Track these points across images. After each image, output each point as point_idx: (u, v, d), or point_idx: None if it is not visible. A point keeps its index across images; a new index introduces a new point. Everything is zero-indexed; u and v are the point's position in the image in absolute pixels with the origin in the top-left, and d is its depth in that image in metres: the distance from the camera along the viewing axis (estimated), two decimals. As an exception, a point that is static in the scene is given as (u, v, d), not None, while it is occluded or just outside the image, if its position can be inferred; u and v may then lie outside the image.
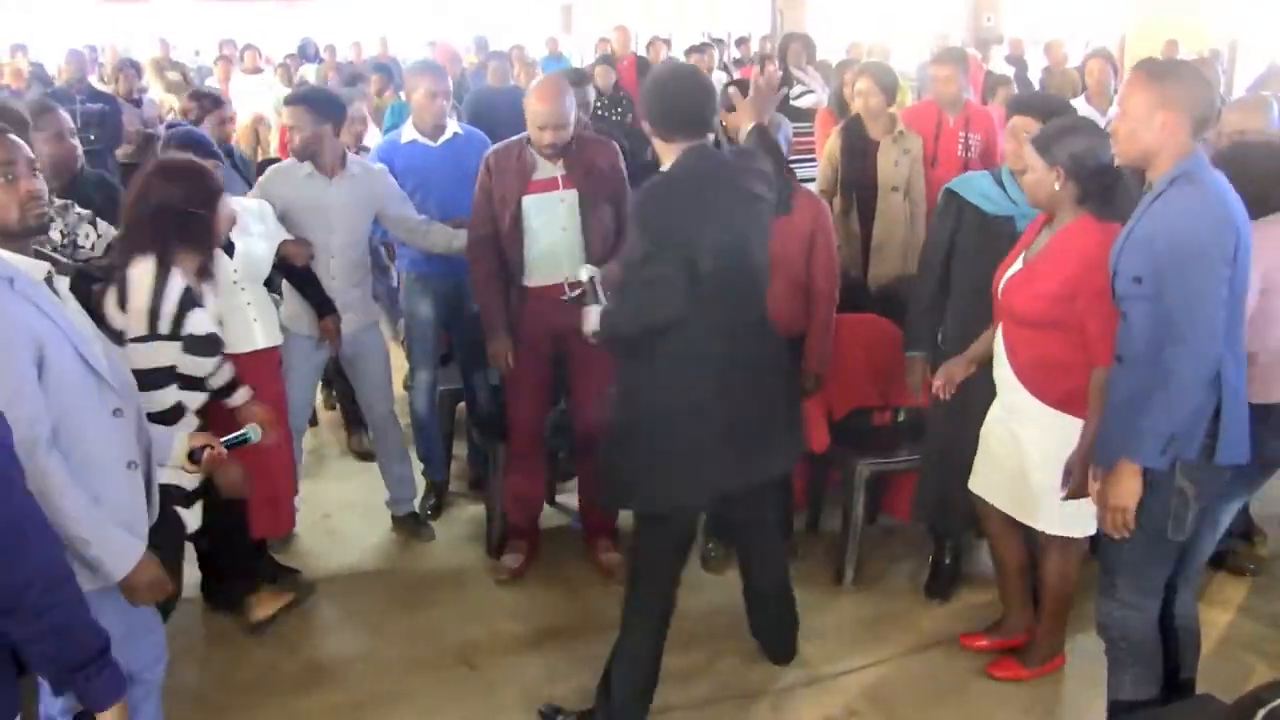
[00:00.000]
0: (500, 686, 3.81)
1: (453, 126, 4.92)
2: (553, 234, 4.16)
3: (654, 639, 3.44)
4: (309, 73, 12.63)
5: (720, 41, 13.92)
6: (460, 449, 5.41)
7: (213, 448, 2.99)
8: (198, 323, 3.24)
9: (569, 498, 5.02)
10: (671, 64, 3.28)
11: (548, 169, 4.15)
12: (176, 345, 3.21)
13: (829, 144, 5.43)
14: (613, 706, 3.42)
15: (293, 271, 4.27)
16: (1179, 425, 2.82)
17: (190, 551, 4.20)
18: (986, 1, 10.10)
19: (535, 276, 4.21)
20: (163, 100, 9.87)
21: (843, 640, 4.03)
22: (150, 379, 3.10)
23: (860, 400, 4.54)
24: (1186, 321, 2.77)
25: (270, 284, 4.20)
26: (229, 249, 3.85)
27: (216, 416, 3.44)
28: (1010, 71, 9.97)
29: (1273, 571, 4.42)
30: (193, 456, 2.96)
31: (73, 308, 2.58)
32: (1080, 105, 6.86)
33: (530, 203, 4.14)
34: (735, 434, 3.26)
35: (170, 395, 3.21)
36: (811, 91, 7.62)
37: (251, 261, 3.97)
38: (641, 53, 12.66)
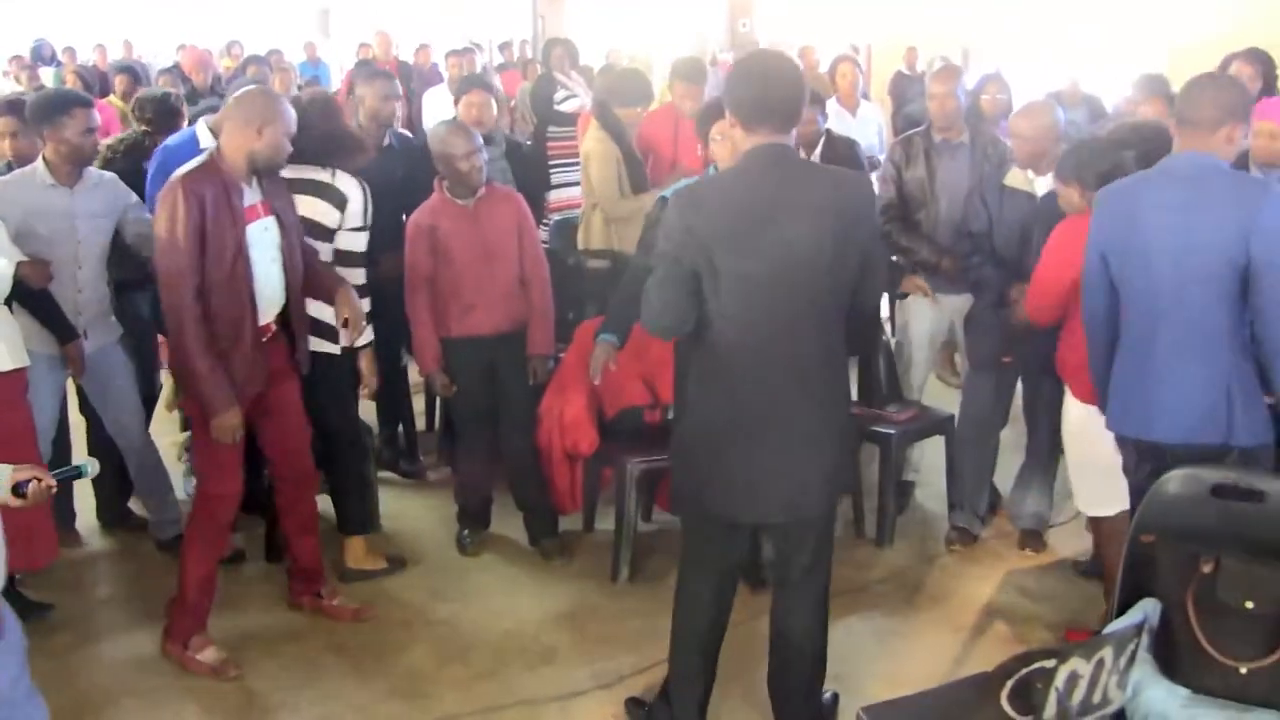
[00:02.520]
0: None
1: None
2: (267, 267, 3.79)
3: (695, 656, 3.38)
4: (47, 76, 11.91)
5: (480, 46, 13.84)
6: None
7: (40, 479, 2.78)
8: None
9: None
10: (763, 50, 3.00)
11: (248, 194, 3.72)
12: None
13: (601, 149, 5.44)
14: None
15: (29, 294, 4.00)
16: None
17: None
18: (741, 7, 10.43)
19: (262, 319, 3.83)
20: None
21: (627, 639, 4.06)
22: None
23: (630, 399, 4.59)
24: None
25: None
26: None
27: None
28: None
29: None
30: (18, 490, 2.76)
31: None
32: (831, 106, 7.14)
33: (250, 233, 3.71)
34: (760, 454, 3.09)
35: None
36: (575, 96, 7.66)
37: None
38: (404, 58, 12.45)
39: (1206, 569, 2.81)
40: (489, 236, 4.43)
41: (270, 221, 3.79)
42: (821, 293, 3.05)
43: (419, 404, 5.80)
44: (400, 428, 5.52)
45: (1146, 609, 2.95)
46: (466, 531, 4.73)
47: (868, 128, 7.39)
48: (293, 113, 3.79)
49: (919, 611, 4.25)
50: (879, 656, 3.96)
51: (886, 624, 4.15)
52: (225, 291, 3.63)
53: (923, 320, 4.86)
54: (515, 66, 12.41)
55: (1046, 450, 4.53)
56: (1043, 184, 4.29)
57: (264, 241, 3.76)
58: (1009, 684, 2.25)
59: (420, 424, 5.79)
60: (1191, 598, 2.82)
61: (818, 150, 5.38)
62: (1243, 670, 2.75)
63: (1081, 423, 3.78)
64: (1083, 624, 3.96)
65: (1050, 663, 2.31)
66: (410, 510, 5.03)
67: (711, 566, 3.35)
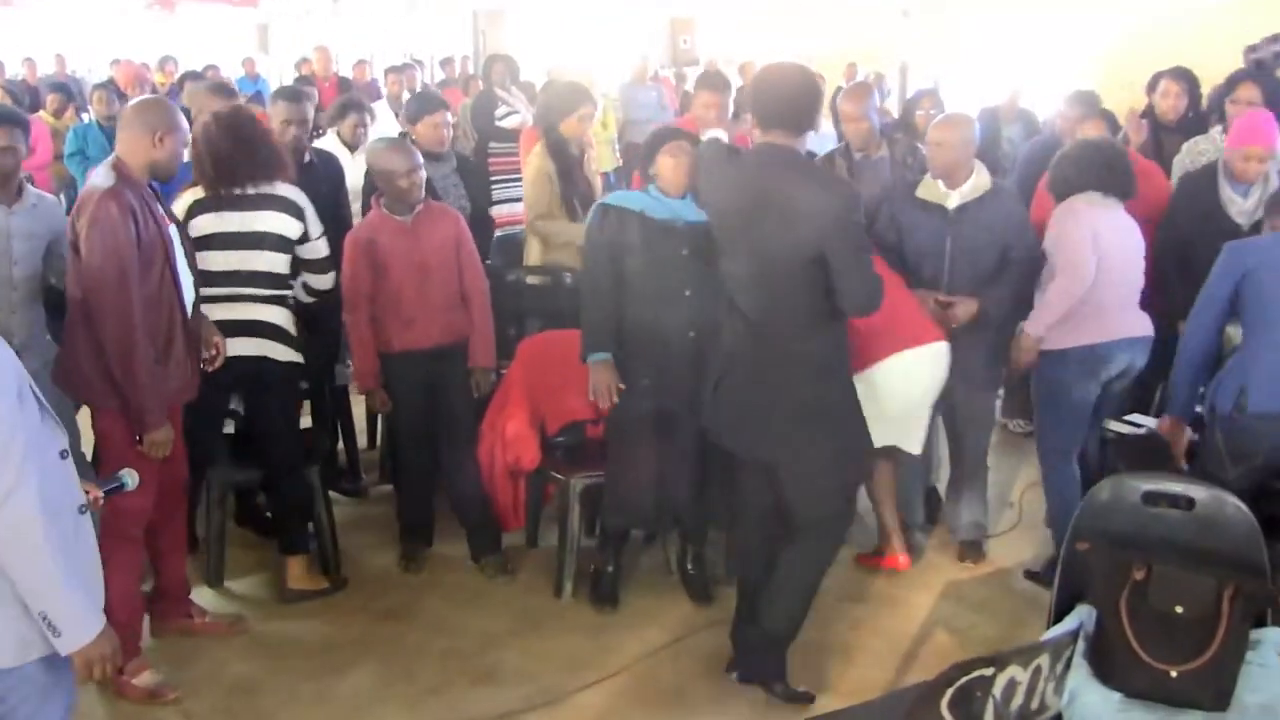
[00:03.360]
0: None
1: None
2: (185, 274, 3.79)
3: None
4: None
5: (421, 63, 13.80)
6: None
7: (89, 492, 2.69)
8: None
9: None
10: (783, 62, 3.55)
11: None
12: None
13: (536, 164, 5.43)
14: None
15: None
16: None
17: None
18: (682, 25, 10.51)
19: None
20: None
21: (571, 656, 4.05)
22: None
23: (573, 414, 4.59)
24: None
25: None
26: None
27: None
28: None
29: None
30: None
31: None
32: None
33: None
34: (736, 401, 3.60)
35: None
36: (516, 112, 7.68)
37: None
38: (344, 73, 12.38)
39: (1139, 575, 2.87)
40: (428, 251, 4.43)
41: (174, 228, 3.79)
42: (800, 289, 3.39)
43: (360, 421, 5.76)
44: (341, 445, 5.48)
45: (1082, 615, 3.00)
46: (409, 549, 4.70)
47: (827, 144, 7.48)
48: (186, 123, 3.82)
49: (861, 622, 4.28)
50: (821, 667, 3.97)
51: (828, 635, 4.16)
52: (156, 303, 3.62)
53: None
54: (456, 83, 12.38)
55: (975, 460, 4.66)
56: (955, 197, 4.37)
57: (177, 250, 3.76)
58: (949, 692, 2.28)
59: (362, 441, 5.75)
60: (1125, 604, 2.88)
61: None
62: (1173, 674, 2.81)
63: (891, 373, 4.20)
64: (1021, 634, 4.02)
65: (989, 671, 2.35)
66: (352, 528, 4.99)
67: (748, 508, 3.82)
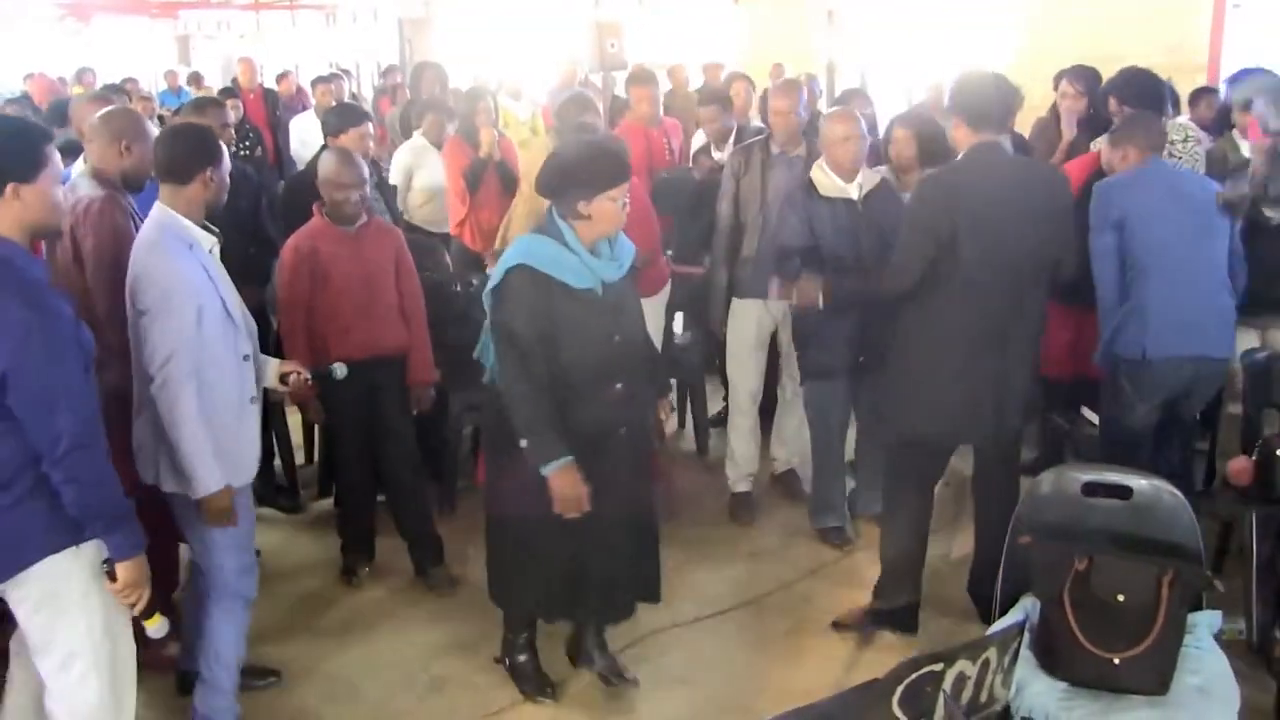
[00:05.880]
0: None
1: None
2: None
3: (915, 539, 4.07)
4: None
5: (348, 72, 13.66)
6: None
7: (299, 373, 3.57)
8: None
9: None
10: (982, 69, 3.90)
11: None
12: None
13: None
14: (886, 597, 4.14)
15: None
16: None
17: None
18: (609, 29, 10.46)
19: None
20: None
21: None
22: None
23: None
24: None
25: None
26: None
27: None
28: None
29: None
30: (284, 379, 3.56)
31: (222, 269, 3.30)
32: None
33: None
34: (975, 387, 3.75)
35: None
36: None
37: None
38: (269, 84, 12.21)
39: (1080, 566, 2.91)
40: (369, 262, 4.37)
41: None
42: (1026, 267, 3.73)
43: (298, 436, 5.68)
44: (278, 461, 5.40)
45: (1026, 607, 3.04)
46: (350, 563, 4.65)
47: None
48: (154, 131, 3.78)
49: (808, 622, 4.30)
50: (769, 669, 4.00)
51: (776, 636, 4.19)
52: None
53: (748, 320, 5.00)
54: (387, 93, 12.25)
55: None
56: (855, 189, 4.50)
57: None
58: (899, 690, 2.29)
59: (300, 458, 5.67)
60: (1068, 594, 2.92)
61: (729, 143, 5.69)
62: (1116, 661, 2.86)
63: None
64: (967, 629, 4.05)
65: (938, 666, 2.36)
66: (292, 544, 4.92)
67: (924, 478, 4.03)
